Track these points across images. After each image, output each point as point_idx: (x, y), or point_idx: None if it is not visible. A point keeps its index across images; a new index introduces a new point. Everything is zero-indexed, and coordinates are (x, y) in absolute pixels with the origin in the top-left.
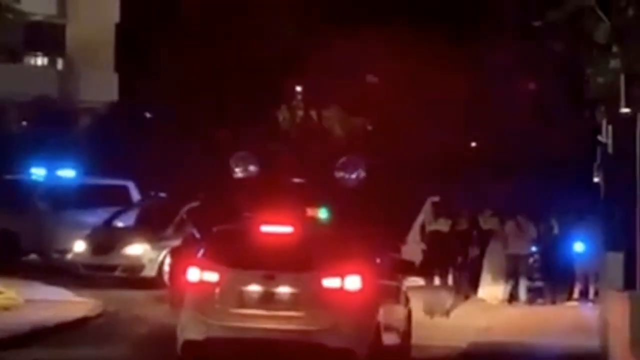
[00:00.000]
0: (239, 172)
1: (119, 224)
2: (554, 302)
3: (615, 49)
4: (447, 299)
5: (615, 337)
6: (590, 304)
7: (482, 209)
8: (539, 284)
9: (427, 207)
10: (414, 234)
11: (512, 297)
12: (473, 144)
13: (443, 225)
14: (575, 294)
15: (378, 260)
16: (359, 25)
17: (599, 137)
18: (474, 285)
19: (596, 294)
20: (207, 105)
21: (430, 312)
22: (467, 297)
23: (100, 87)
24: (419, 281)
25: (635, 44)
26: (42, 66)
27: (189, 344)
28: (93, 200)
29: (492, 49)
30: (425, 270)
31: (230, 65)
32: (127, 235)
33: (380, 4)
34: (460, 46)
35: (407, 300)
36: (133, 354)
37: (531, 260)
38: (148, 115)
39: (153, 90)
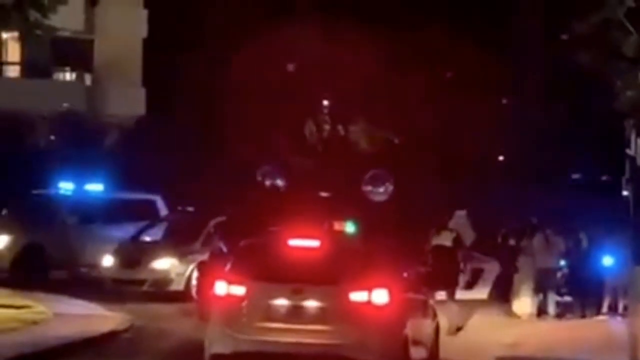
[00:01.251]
0: (267, 185)
1: (147, 238)
2: (583, 317)
3: None
4: (459, 314)
5: None
6: (619, 319)
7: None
8: (567, 298)
9: (454, 220)
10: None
11: (541, 312)
12: (501, 158)
13: (446, 239)
14: (604, 309)
15: (405, 274)
16: (388, 36)
17: (627, 151)
18: (506, 299)
19: (625, 308)
20: (234, 119)
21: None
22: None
23: (128, 101)
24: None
25: None
26: (70, 81)
27: (216, 357)
28: (121, 214)
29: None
30: (431, 285)
31: (257, 79)
32: (155, 249)
33: (408, 12)
34: (489, 56)
35: (435, 314)
36: None
37: (560, 274)
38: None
39: (180, 104)
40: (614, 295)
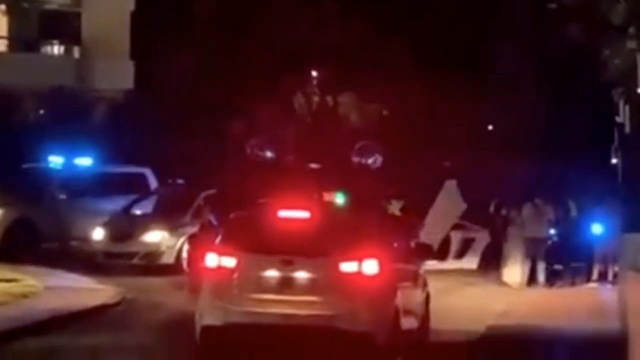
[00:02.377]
0: (257, 157)
1: (137, 211)
2: (573, 285)
3: (631, 30)
4: None
5: (634, 318)
6: (609, 286)
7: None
8: (557, 266)
9: (444, 190)
10: (432, 218)
11: (531, 280)
12: (490, 127)
13: (395, 209)
14: (594, 276)
15: (395, 244)
16: (376, 14)
17: (617, 118)
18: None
19: (615, 275)
20: (223, 91)
21: None
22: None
23: (116, 75)
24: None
25: None
26: (59, 55)
27: (207, 329)
28: (111, 188)
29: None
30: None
31: (246, 52)
32: (145, 222)
33: None
34: (475, 29)
35: (425, 284)
36: (152, 341)
37: (549, 243)
38: (164, 103)
39: (169, 77)
40: (603, 263)
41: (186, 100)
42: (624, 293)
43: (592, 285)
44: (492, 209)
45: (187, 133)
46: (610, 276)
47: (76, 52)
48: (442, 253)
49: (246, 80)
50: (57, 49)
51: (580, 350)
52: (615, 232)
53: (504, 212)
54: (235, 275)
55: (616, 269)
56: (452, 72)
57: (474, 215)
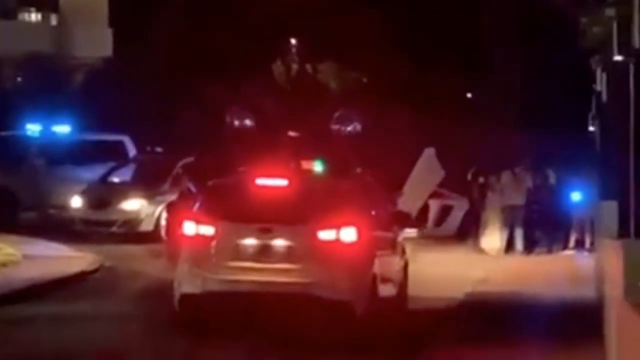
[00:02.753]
0: (235, 125)
1: (115, 179)
2: (550, 252)
3: None
4: None
5: (610, 285)
6: (586, 253)
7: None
8: (535, 234)
9: (423, 159)
10: (411, 185)
11: (509, 247)
12: (469, 95)
13: None
14: (572, 243)
15: (374, 212)
16: None
17: (594, 86)
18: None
19: (592, 243)
20: (202, 59)
21: None
22: None
23: (95, 42)
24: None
25: None
26: (36, 22)
27: (185, 297)
28: (89, 155)
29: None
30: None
31: (225, 19)
32: (124, 190)
33: None
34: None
35: (404, 252)
36: (131, 308)
37: (527, 210)
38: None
39: (147, 45)
40: (581, 230)
41: (164, 69)
42: (601, 260)
43: (569, 252)
44: (469, 177)
45: (165, 101)
46: (587, 243)
47: (54, 19)
48: (420, 221)
49: (225, 48)
50: (34, 16)
51: (557, 317)
52: (592, 199)
53: (481, 180)
54: (214, 243)
55: (593, 236)
56: (431, 40)
57: (452, 183)
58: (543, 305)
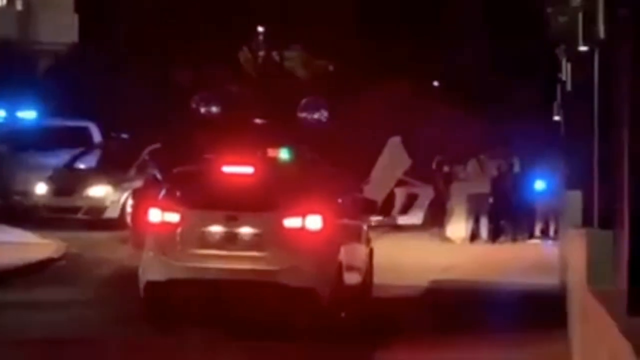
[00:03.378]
0: (202, 112)
1: (81, 165)
2: (515, 240)
3: None
4: None
5: (573, 274)
6: (550, 242)
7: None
8: (500, 222)
9: (388, 147)
10: (376, 174)
11: (474, 236)
12: (435, 83)
13: None
14: (536, 232)
15: (340, 200)
16: None
17: (559, 75)
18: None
19: (556, 232)
20: (169, 45)
21: None
22: None
23: (60, 28)
24: (382, 220)
25: None
26: (1, 7)
27: (151, 285)
28: (54, 141)
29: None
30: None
31: (192, 6)
32: (89, 176)
33: None
34: None
35: (369, 240)
36: (96, 295)
37: (492, 199)
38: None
39: (113, 31)
40: (545, 219)
41: (131, 54)
42: (565, 249)
43: (534, 241)
44: (434, 165)
45: (131, 87)
46: (551, 232)
47: (19, 5)
48: (386, 209)
49: (192, 35)
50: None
51: (521, 305)
52: (557, 188)
53: (446, 168)
54: (179, 231)
55: (557, 225)
56: (399, 29)
57: (419, 171)
58: (507, 293)
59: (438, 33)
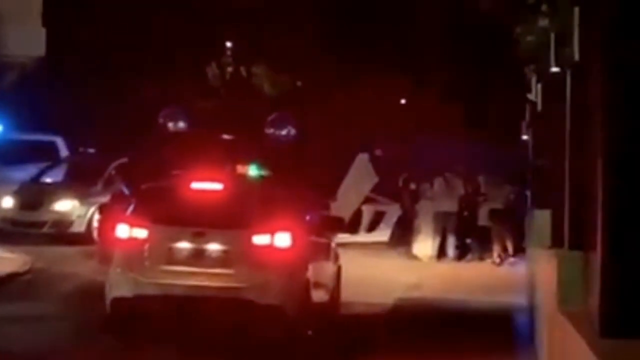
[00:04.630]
0: (169, 128)
1: (47, 179)
2: (482, 259)
3: (544, 8)
4: None
5: (543, 295)
6: (512, 260)
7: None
8: (467, 240)
9: (356, 164)
10: (344, 191)
11: (441, 254)
12: (402, 101)
13: None
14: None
15: (308, 217)
16: None
17: (529, 96)
18: (407, 242)
19: (521, 250)
20: (136, 61)
21: None
22: None
23: (28, 41)
24: (349, 238)
25: (564, 3)
26: None
27: (117, 301)
28: (20, 155)
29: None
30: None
31: (161, 20)
32: (56, 191)
33: None
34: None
35: (337, 257)
36: (62, 311)
37: (459, 217)
38: (76, 71)
39: (81, 45)
40: (502, 238)
41: (98, 68)
42: (533, 269)
43: (497, 260)
44: (400, 183)
45: (98, 101)
46: (509, 250)
47: None
48: (353, 226)
49: (160, 49)
50: None
51: (488, 324)
52: (525, 207)
53: (412, 186)
54: (147, 247)
55: (522, 244)
56: (365, 45)
57: (386, 188)
58: (474, 312)
59: (404, 49)
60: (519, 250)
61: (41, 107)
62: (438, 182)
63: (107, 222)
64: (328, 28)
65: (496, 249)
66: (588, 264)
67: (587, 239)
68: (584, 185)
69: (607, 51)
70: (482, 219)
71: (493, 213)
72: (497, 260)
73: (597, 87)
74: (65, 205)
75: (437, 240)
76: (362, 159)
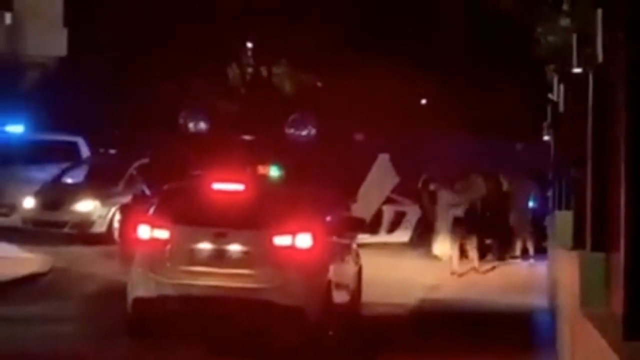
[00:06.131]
0: (190, 128)
1: (69, 180)
2: (502, 259)
3: (565, 7)
4: None
5: (565, 296)
6: (531, 261)
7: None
8: (487, 240)
9: (377, 164)
10: (365, 192)
11: (462, 254)
12: (423, 101)
13: None
14: (517, 252)
15: (329, 218)
16: None
17: (550, 96)
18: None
19: (537, 251)
20: (158, 61)
21: None
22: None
23: (49, 42)
24: (370, 238)
25: (587, 3)
26: None
27: (139, 301)
28: (42, 156)
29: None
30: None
31: (181, 21)
32: (77, 191)
33: None
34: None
35: (358, 258)
36: (82, 311)
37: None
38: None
39: (102, 45)
40: (523, 239)
41: (119, 68)
42: (555, 270)
43: (518, 260)
44: (420, 184)
45: (119, 101)
46: (530, 251)
47: (8, 18)
48: (374, 227)
49: (180, 50)
50: None
51: (509, 325)
52: (546, 208)
53: (432, 187)
54: (168, 247)
55: (536, 243)
56: (387, 45)
57: (407, 189)
58: (495, 312)
59: (426, 50)
60: (540, 250)
61: (62, 107)
62: (459, 183)
63: (128, 222)
64: (349, 28)
65: (517, 249)
66: (611, 266)
67: (610, 241)
68: (606, 187)
69: (631, 52)
70: (513, 219)
71: (515, 213)
72: (518, 260)
73: (620, 88)
74: (86, 205)
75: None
76: (383, 158)
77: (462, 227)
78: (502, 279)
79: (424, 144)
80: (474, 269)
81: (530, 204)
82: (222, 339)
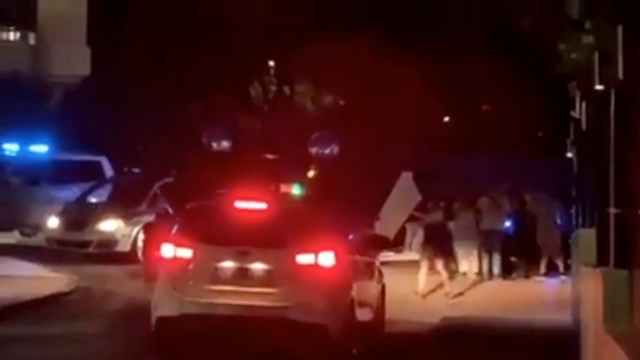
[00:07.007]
0: (213, 147)
1: (92, 199)
2: (527, 277)
3: (588, 25)
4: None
5: (589, 313)
6: (562, 278)
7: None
8: (512, 258)
9: (400, 182)
10: (387, 209)
11: (488, 272)
12: (446, 119)
13: None
14: (542, 269)
15: (351, 236)
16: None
17: (572, 113)
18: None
19: (566, 268)
20: (179, 80)
21: None
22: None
23: (73, 61)
24: (393, 256)
25: (608, 20)
26: (14, 41)
27: (162, 320)
28: (66, 175)
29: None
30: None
31: (203, 39)
32: (101, 210)
33: None
34: (428, 23)
35: (381, 276)
36: (107, 330)
37: (505, 235)
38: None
39: (125, 65)
40: (549, 256)
41: (142, 88)
42: (579, 288)
43: (544, 277)
44: (442, 204)
45: (143, 121)
46: (560, 268)
47: (32, 39)
48: (396, 244)
49: (203, 70)
50: (12, 35)
51: (534, 343)
52: (570, 226)
53: (456, 206)
54: (191, 266)
55: (565, 261)
56: (409, 64)
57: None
58: (519, 330)
59: (450, 67)
60: (568, 268)
61: (86, 126)
62: (483, 200)
63: (152, 241)
64: (371, 46)
65: (542, 267)
66: (634, 283)
67: (633, 258)
68: (629, 204)
69: None
70: (539, 238)
71: (541, 231)
72: (543, 278)
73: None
74: (110, 225)
75: (484, 259)
76: (406, 177)
77: (488, 241)
78: (527, 296)
79: (448, 162)
80: (445, 293)
81: (558, 221)
82: (245, 357)
